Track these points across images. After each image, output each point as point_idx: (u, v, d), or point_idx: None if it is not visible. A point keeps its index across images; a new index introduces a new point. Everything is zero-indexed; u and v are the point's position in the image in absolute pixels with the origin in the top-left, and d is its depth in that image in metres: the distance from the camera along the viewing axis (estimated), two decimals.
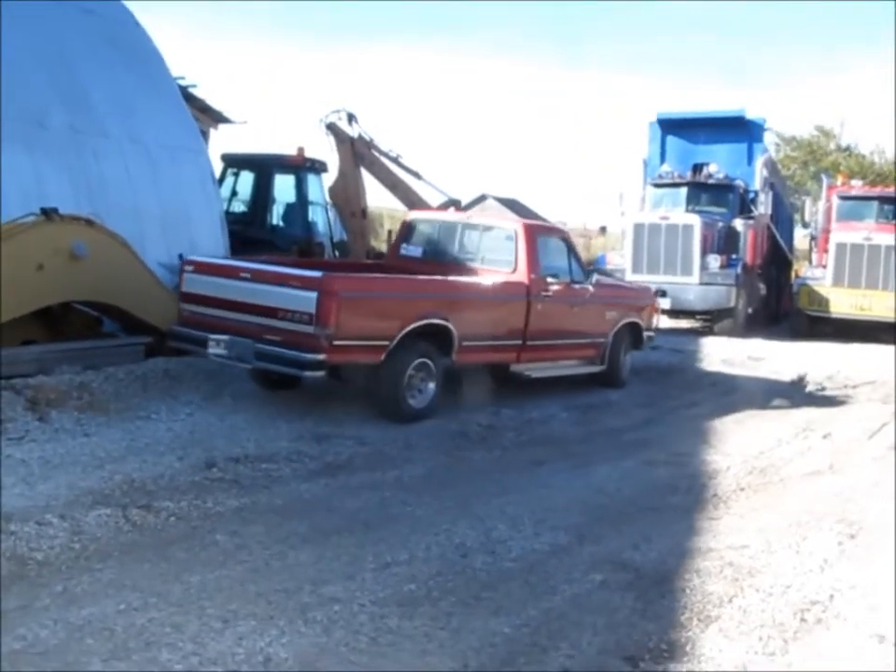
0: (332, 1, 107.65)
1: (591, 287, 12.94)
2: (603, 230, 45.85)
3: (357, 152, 17.00)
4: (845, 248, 22.31)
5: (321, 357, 9.65)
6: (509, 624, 5.36)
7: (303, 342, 9.66)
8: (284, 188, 19.57)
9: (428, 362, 10.72)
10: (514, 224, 12.87)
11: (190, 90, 20.32)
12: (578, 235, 56.35)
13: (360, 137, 17.06)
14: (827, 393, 14.33)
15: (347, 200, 17.22)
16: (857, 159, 53.92)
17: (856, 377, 16.13)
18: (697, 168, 23.60)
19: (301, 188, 19.36)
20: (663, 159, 24.69)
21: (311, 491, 7.72)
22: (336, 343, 9.68)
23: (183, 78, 19.20)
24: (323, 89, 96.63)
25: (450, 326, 10.82)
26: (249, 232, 17.76)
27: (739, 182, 23.45)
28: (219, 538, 6.44)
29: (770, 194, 23.78)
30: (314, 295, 9.64)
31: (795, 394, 14.04)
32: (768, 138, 28.45)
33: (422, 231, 13.58)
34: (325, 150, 17.80)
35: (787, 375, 15.56)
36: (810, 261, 25.90)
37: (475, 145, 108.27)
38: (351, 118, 17.02)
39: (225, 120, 23.74)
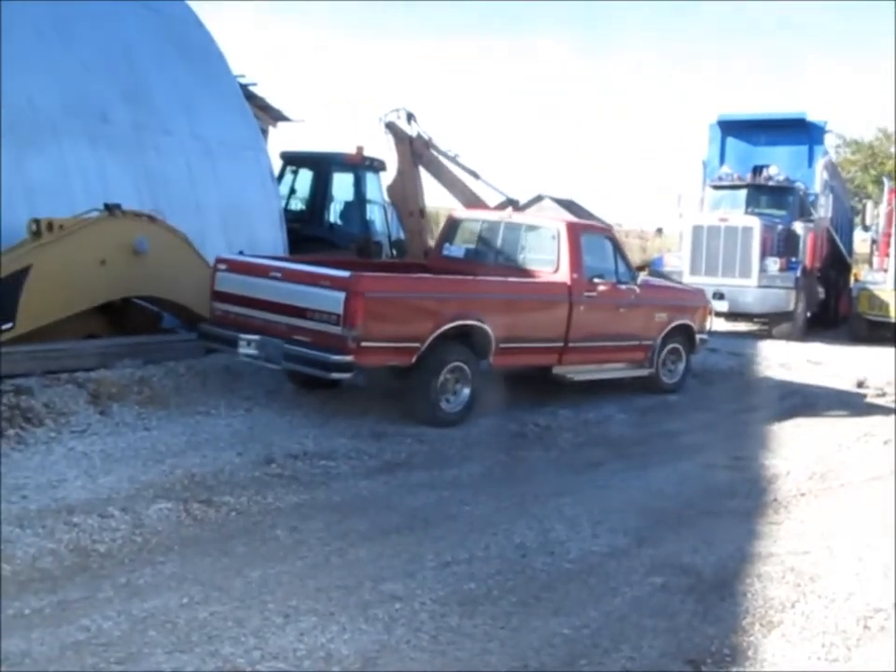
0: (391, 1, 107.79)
1: (637, 288, 12.66)
2: (660, 231, 45.62)
3: (416, 151, 16.95)
4: None
5: (349, 358, 9.49)
6: (569, 625, 5.36)
7: (331, 343, 9.50)
8: (342, 186, 19.62)
9: (463, 365, 10.48)
10: (557, 223, 12.51)
11: (251, 88, 20.44)
12: (635, 237, 56.23)
13: (419, 136, 17.01)
14: (888, 398, 14.13)
15: (405, 199, 17.18)
16: None
17: None
18: (757, 170, 23.39)
19: (359, 186, 19.41)
20: (722, 160, 24.50)
21: (369, 488, 7.75)
22: (364, 344, 9.50)
23: (243, 77, 19.31)
24: (382, 88, 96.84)
25: (486, 327, 10.59)
26: (307, 230, 17.82)
27: (799, 185, 23.20)
28: (279, 533, 6.49)
29: (830, 197, 23.52)
30: (341, 295, 9.47)
31: (855, 399, 13.86)
32: (829, 140, 28.12)
33: (464, 231, 13.43)
34: (383, 149, 17.79)
35: (847, 380, 15.37)
36: (870, 265, 25.56)
37: (534, 145, 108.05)
38: (410, 117, 16.97)
39: (284, 119, 23.88)
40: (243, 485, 7.42)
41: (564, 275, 11.75)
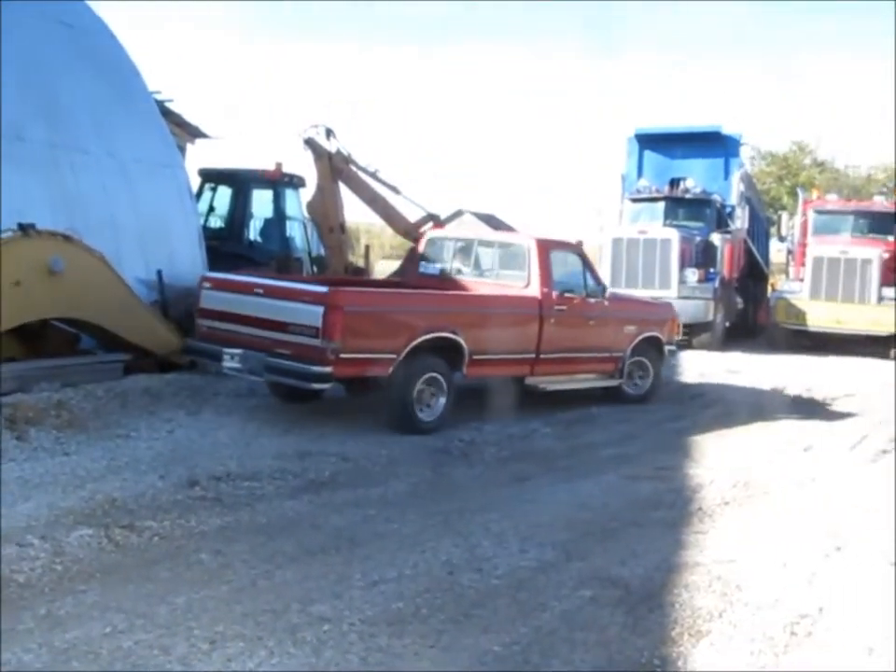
0: (312, 15, 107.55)
1: (605, 302, 13.13)
2: (580, 244, 46.01)
3: (335, 167, 16.91)
4: (822, 262, 22.43)
5: (328, 369, 9.97)
6: (499, 642, 5.32)
7: (311, 355, 9.96)
8: (261, 203, 19.49)
9: (438, 376, 10.93)
10: (527, 240, 12.93)
11: (167, 104, 20.20)
12: None
13: (338, 152, 16.98)
14: (807, 406, 14.34)
15: (325, 215, 17.13)
16: (831, 174, 54.35)
17: (835, 390, 16.18)
18: (674, 183, 23.71)
19: (278, 203, 19.29)
20: (640, 173, 24.79)
21: (295, 508, 7.65)
22: (342, 356, 9.98)
23: (159, 93, 19.10)
24: (301, 103, 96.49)
25: (460, 339, 11.05)
26: (227, 248, 17.65)
27: (716, 196, 23.55)
28: (204, 557, 6.38)
29: (746, 208, 23.89)
30: (320, 309, 9.94)
31: (775, 407, 14.02)
32: (744, 153, 28.56)
33: (440, 249, 13.79)
34: (303, 165, 17.72)
35: (766, 388, 15.58)
36: (787, 275, 26.02)
37: (453, 160, 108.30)
38: (329, 132, 16.93)
39: (202, 135, 23.63)
40: (165, 509, 7.29)
41: (534, 290, 12.26)
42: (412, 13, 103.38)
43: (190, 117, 22.56)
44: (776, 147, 57.46)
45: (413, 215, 18.27)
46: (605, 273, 21.43)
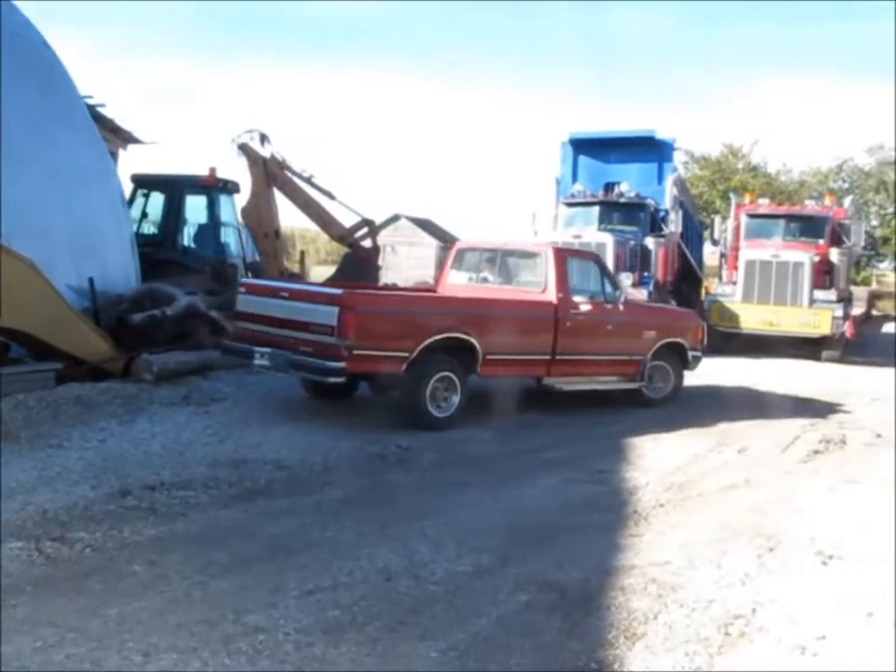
0: (246, 21, 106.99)
1: (621, 307, 13.71)
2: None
3: (270, 172, 16.88)
4: (754, 265, 22.68)
5: (342, 364, 10.82)
6: (436, 649, 5.31)
7: (327, 351, 10.86)
8: (195, 208, 19.36)
9: (451, 375, 11.67)
10: (545, 249, 13.83)
11: (99, 109, 19.98)
12: None
13: (273, 157, 16.94)
14: (741, 407, 14.46)
15: (260, 220, 17.08)
16: (764, 178, 55.14)
17: (768, 391, 16.37)
18: (609, 187, 23.86)
19: (212, 208, 19.16)
20: (575, 178, 24.92)
21: (229, 518, 7.58)
22: (356, 352, 10.84)
23: (91, 98, 18.88)
24: (235, 109, 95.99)
25: (473, 340, 11.77)
26: (160, 254, 17.53)
27: (650, 201, 23.74)
28: (137, 568, 6.29)
29: (680, 212, 24.11)
30: (335, 310, 10.83)
31: (709, 409, 14.14)
32: (678, 157, 28.86)
33: (467, 259, 14.70)
34: (237, 171, 17.63)
35: (700, 390, 15.70)
36: (720, 278, 26.27)
37: (388, 165, 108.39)
38: (263, 138, 16.91)
39: (135, 141, 23.40)
40: (97, 520, 7.18)
41: (551, 295, 13.03)
42: (346, 14, 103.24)
43: (123, 122, 22.33)
44: (709, 150, 58.23)
45: (348, 220, 18.27)
46: None
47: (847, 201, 28.07)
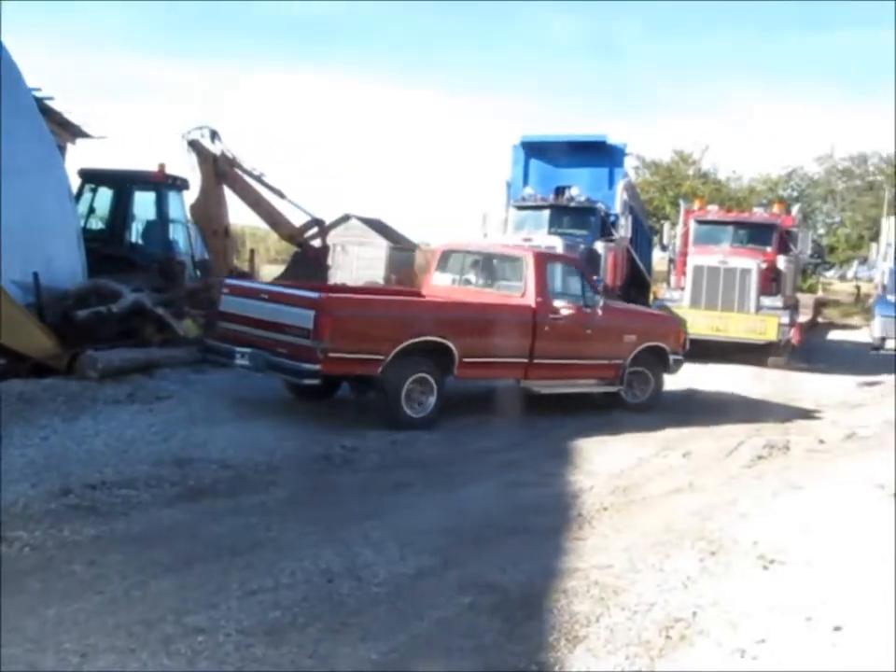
0: (198, 18, 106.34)
1: (600, 311, 13.83)
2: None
3: (220, 170, 16.75)
4: (702, 271, 22.79)
5: (317, 367, 11.03)
6: (377, 651, 5.31)
7: (303, 353, 11.09)
8: (144, 205, 19.19)
9: (427, 377, 11.85)
10: (525, 253, 14.20)
11: (47, 102, 19.71)
12: None
13: (223, 155, 16.82)
14: (686, 412, 14.55)
15: (209, 218, 16.95)
16: (714, 184, 55.59)
17: (713, 396, 16.49)
18: (559, 191, 23.89)
19: (161, 205, 19.01)
20: (526, 181, 24.92)
21: (172, 517, 7.52)
22: (331, 355, 11.01)
23: (39, 90, 18.63)
24: (186, 105, 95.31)
25: (449, 343, 11.94)
26: (107, 250, 17.36)
27: (600, 205, 23.78)
28: (76, 568, 6.23)
29: (630, 217, 24.17)
30: (311, 313, 11.07)
31: (655, 412, 14.21)
32: (628, 162, 28.97)
33: (451, 261, 14.84)
34: (187, 167, 17.48)
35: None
36: (668, 283, 26.37)
37: (339, 164, 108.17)
38: (214, 135, 16.77)
39: (83, 135, 23.09)
40: (37, 519, 7.10)
41: (530, 299, 13.22)
42: (298, 13, 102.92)
43: (71, 115, 22.04)
44: (659, 156, 58.60)
45: (298, 219, 18.20)
46: None
47: (795, 209, 28.32)
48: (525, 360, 13.06)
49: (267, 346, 11.51)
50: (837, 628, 5.93)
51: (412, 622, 5.78)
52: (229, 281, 13.44)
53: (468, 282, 14.36)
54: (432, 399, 11.93)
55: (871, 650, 5.64)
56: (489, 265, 14.56)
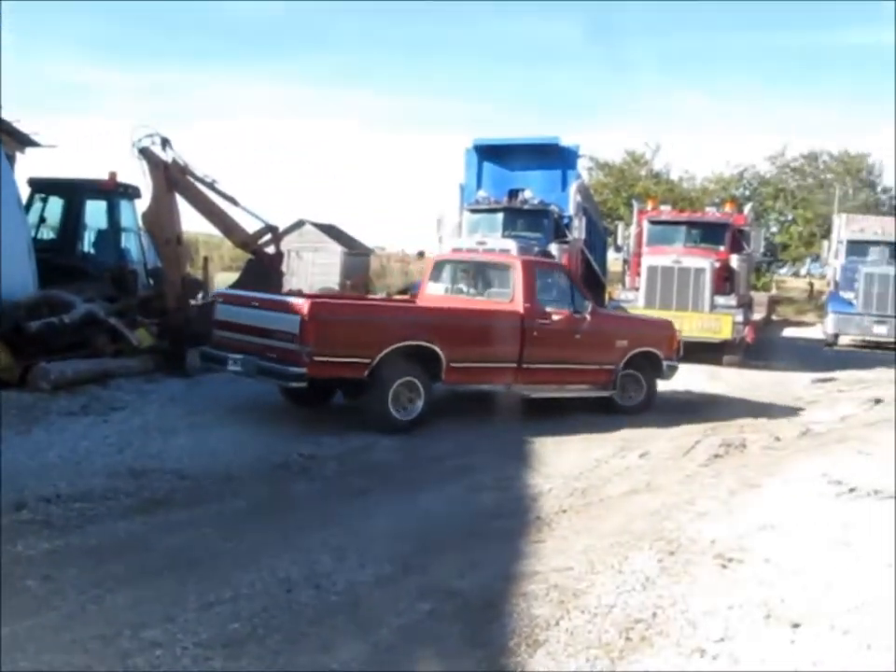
0: (148, 26, 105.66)
1: (588, 317, 13.97)
2: (421, 255, 46.28)
3: (171, 177, 16.57)
4: (656, 271, 22.91)
5: (303, 370, 11.30)
6: (337, 660, 5.29)
7: (290, 357, 11.40)
8: (95, 214, 19.01)
9: (414, 380, 12.09)
10: (514, 260, 14.71)
11: None
12: (396, 260, 56.77)
13: (174, 162, 16.64)
14: (643, 412, 14.58)
15: (161, 226, 16.76)
16: (667, 185, 55.97)
17: (669, 395, 16.54)
18: (513, 194, 23.92)
19: (112, 214, 18.85)
20: (479, 184, 24.92)
21: (128, 530, 7.45)
22: (316, 359, 11.28)
23: None
24: (136, 113, 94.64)
25: (435, 348, 12.21)
26: (59, 260, 17.16)
27: (554, 207, 23.83)
28: (31, 583, 6.14)
29: (584, 219, 24.23)
30: (297, 318, 11.35)
31: (611, 413, 14.25)
32: (581, 164, 29.06)
33: (445, 270, 15.33)
34: (138, 175, 17.30)
35: (603, 394, 15.77)
36: (623, 284, 26.53)
37: (293, 171, 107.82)
38: (165, 142, 16.58)
39: (33, 144, 22.86)
40: None
41: (517, 304, 13.46)
42: (250, 17, 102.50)
43: (21, 125, 21.78)
44: (612, 157, 58.95)
45: (251, 226, 18.09)
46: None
47: (748, 208, 28.54)
48: (514, 365, 13.30)
49: (257, 352, 11.83)
50: (796, 625, 5.98)
51: (372, 630, 5.75)
52: (221, 291, 14.09)
53: (460, 290, 14.76)
54: (420, 403, 12.18)
55: (830, 646, 5.69)
56: (480, 273, 14.91)
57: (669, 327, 15.97)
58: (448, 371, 12.44)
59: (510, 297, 13.65)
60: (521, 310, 13.39)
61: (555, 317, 13.64)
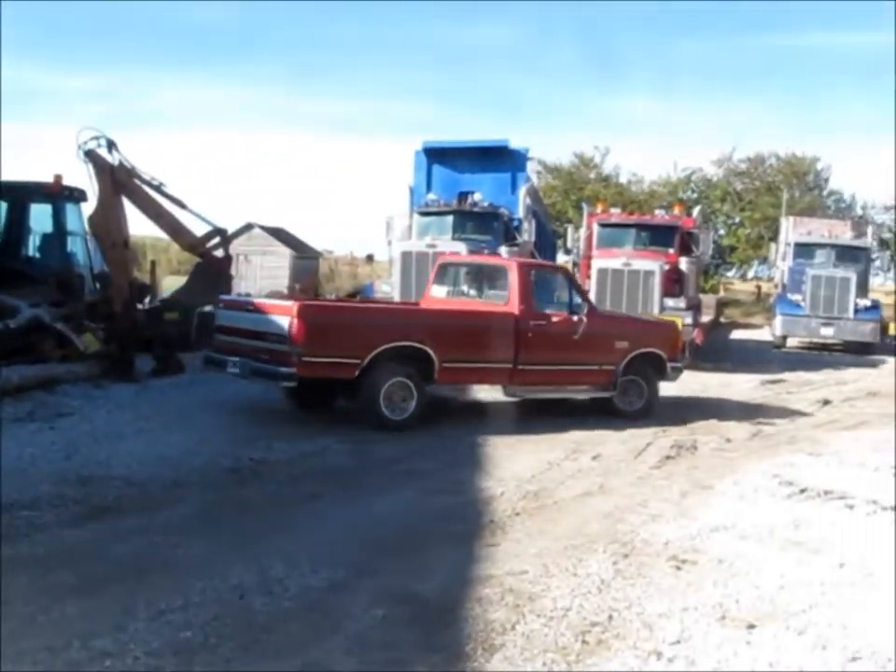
0: (91, 27, 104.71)
1: (584, 318, 14.06)
2: (370, 258, 46.19)
3: (118, 180, 16.37)
4: (605, 273, 22.97)
5: (293, 370, 11.72)
6: (291, 667, 5.22)
7: (280, 358, 11.83)
8: (40, 217, 18.78)
9: (406, 380, 12.39)
10: (510, 262, 14.93)
11: None
12: (345, 264, 56.67)
13: (121, 165, 16.44)
14: (594, 414, 14.58)
15: (108, 230, 16.54)
16: (616, 188, 56.27)
17: None
18: (463, 196, 23.87)
19: (58, 217, 18.62)
20: (429, 187, 24.83)
21: (76, 537, 7.33)
22: (305, 359, 11.69)
23: None
24: (82, 116, 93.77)
25: (427, 349, 12.49)
26: (3, 264, 16.96)
27: (504, 210, 23.80)
28: None
29: (533, 222, 24.22)
30: (286, 320, 11.77)
31: (563, 416, 14.23)
32: (531, 167, 29.05)
33: (448, 273, 15.56)
34: (84, 179, 17.09)
35: (555, 398, 15.76)
36: None
37: (241, 174, 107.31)
38: (111, 145, 16.38)
39: None
40: None
41: (513, 306, 13.63)
42: (195, 18, 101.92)
43: None
44: (561, 160, 59.18)
45: (200, 230, 17.94)
46: (395, 287, 21.53)
47: (696, 210, 28.69)
48: (510, 366, 13.47)
49: (252, 354, 12.28)
50: (751, 626, 5.99)
51: (326, 636, 5.68)
52: (222, 297, 14.46)
53: (461, 293, 15.03)
54: (412, 403, 12.45)
55: (785, 647, 5.70)
56: (481, 275, 15.14)
57: (673, 328, 16.18)
58: (441, 372, 12.69)
59: (506, 299, 13.84)
60: (516, 311, 13.56)
61: (552, 319, 13.85)
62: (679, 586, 6.85)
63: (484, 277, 15.05)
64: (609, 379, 14.44)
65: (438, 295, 15.29)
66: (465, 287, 15.13)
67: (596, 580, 6.94)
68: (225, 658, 5.27)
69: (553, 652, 5.59)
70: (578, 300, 14.39)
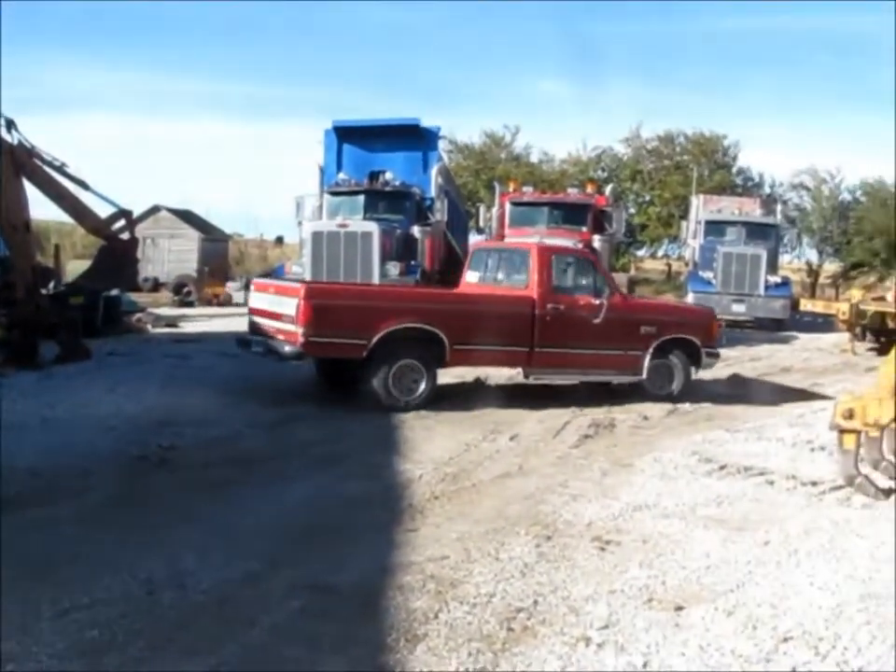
0: None
1: (606, 303, 14.12)
2: (280, 240, 45.69)
3: (17, 161, 15.86)
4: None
5: (298, 349, 12.39)
6: (205, 664, 5.01)
7: (290, 337, 12.52)
8: None
9: (416, 362, 12.84)
10: (529, 246, 15.24)
11: None
12: (254, 246, 56.06)
13: (21, 145, 15.95)
14: (509, 394, 14.49)
15: (7, 213, 16.04)
16: (527, 167, 56.35)
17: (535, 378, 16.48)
18: (374, 176, 23.67)
19: None
20: (339, 167, 24.59)
21: None
22: (311, 339, 12.28)
23: None
24: None
25: (437, 331, 12.86)
26: None
27: (415, 190, 23.68)
28: None
29: (445, 201, 24.15)
30: (295, 300, 12.39)
31: (479, 396, 14.11)
32: (442, 146, 28.91)
33: (480, 258, 16.02)
34: None
35: (469, 378, 15.69)
36: None
37: (147, 157, 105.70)
38: (10, 124, 15.87)
39: None
40: None
41: (532, 290, 13.90)
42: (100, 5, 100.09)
43: None
44: (471, 140, 59.13)
45: (104, 211, 17.49)
46: (306, 268, 21.23)
47: (608, 189, 28.76)
48: (526, 350, 13.72)
49: (270, 334, 13.10)
50: (679, 608, 5.89)
51: (241, 630, 5.45)
52: (255, 280, 15.48)
53: (494, 279, 15.25)
54: (423, 385, 12.85)
55: (715, 628, 5.61)
56: (509, 260, 15.43)
57: (709, 315, 16.12)
58: (452, 354, 13.08)
59: (525, 282, 14.10)
60: (534, 295, 13.78)
61: (573, 303, 13.97)
62: (604, 568, 6.74)
63: (510, 262, 15.28)
64: (634, 364, 14.46)
65: (471, 280, 15.57)
66: (493, 273, 15.33)
67: (520, 563, 6.80)
68: (134, 658, 5.03)
69: (479, 641, 5.43)
70: (602, 284, 14.46)
